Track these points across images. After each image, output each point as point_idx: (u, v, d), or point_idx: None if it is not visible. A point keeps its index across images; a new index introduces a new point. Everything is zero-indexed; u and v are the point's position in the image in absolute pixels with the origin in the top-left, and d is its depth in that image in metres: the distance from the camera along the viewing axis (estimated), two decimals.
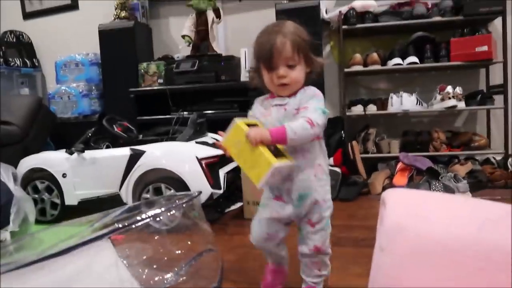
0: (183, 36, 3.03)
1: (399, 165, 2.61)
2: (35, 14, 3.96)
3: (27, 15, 3.99)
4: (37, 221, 2.17)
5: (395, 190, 1.02)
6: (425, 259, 0.86)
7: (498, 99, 2.66)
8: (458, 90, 2.65)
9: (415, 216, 0.90)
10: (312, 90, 1.17)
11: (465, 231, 0.86)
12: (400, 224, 0.89)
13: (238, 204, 2.31)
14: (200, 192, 1.30)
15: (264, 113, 1.20)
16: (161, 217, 1.17)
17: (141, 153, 2.10)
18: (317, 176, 1.17)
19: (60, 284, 1.23)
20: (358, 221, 2.05)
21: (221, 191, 2.02)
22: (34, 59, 3.94)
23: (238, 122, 1.10)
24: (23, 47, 3.87)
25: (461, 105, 2.65)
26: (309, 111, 1.10)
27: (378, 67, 2.77)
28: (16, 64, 3.71)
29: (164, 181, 2.02)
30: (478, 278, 0.84)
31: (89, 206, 2.34)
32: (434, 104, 2.75)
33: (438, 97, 2.71)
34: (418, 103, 2.77)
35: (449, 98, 2.64)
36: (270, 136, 1.06)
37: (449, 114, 2.93)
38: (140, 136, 2.56)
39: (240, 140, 1.07)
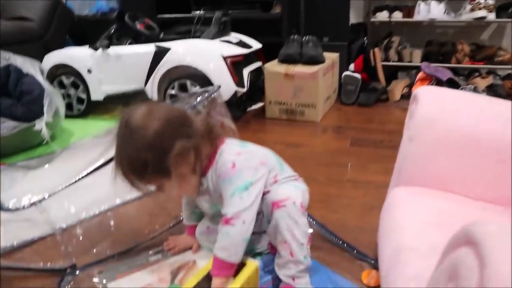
0: None
1: (420, 74, 2.61)
2: None
3: None
4: (65, 116, 2.26)
5: (428, 87, 1.06)
6: (451, 149, 0.92)
7: None
8: (490, 0, 2.56)
9: (445, 110, 0.95)
10: (221, 165, 0.89)
11: (491, 126, 0.92)
12: (431, 117, 0.94)
13: (260, 104, 2.37)
14: (219, 86, 1.32)
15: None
16: None
17: (166, 50, 2.11)
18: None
19: None
20: (376, 125, 2.11)
21: (244, 90, 2.06)
22: None
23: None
24: None
25: (491, 16, 2.57)
26: (226, 204, 0.88)
27: None
28: None
29: (189, 77, 2.06)
30: (497, 169, 0.91)
31: (114, 101, 2.43)
32: (463, 14, 2.66)
33: (468, 7, 2.62)
34: (446, 12, 2.69)
35: (479, 9, 2.55)
36: (216, 278, 0.86)
37: (476, 26, 2.85)
38: (162, 35, 2.55)
39: None
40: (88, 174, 1.26)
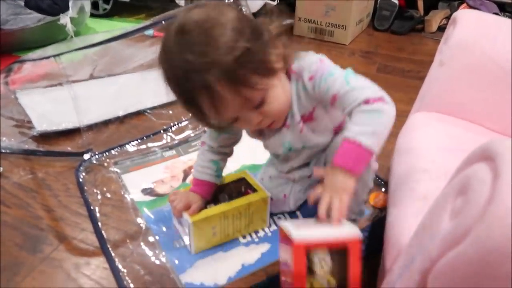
0: None
1: (462, 6, 2.45)
2: None
3: None
4: (90, 14, 2.22)
5: (469, 10, 0.99)
6: (483, 78, 0.88)
7: None
8: None
9: (484, 36, 0.89)
10: (308, 66, 0.71)
11: None
12: (467, 41, 0.89)
13: (288, 21, 2.28)
14: None
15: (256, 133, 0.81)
16: None
17: None
18: None
19: None
20: (407, 55, 2.03)
21: (275, 3, 1.98)
22: None
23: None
24: None
25: None
26: (348, 95, 0.66)
27: None
28: None
29: None
30: None
31: (140, 3, 2.36)
32: None
33: None
34: None
35: None
36: (350, 173, 0.63)
37: None
38: None
39: None
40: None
